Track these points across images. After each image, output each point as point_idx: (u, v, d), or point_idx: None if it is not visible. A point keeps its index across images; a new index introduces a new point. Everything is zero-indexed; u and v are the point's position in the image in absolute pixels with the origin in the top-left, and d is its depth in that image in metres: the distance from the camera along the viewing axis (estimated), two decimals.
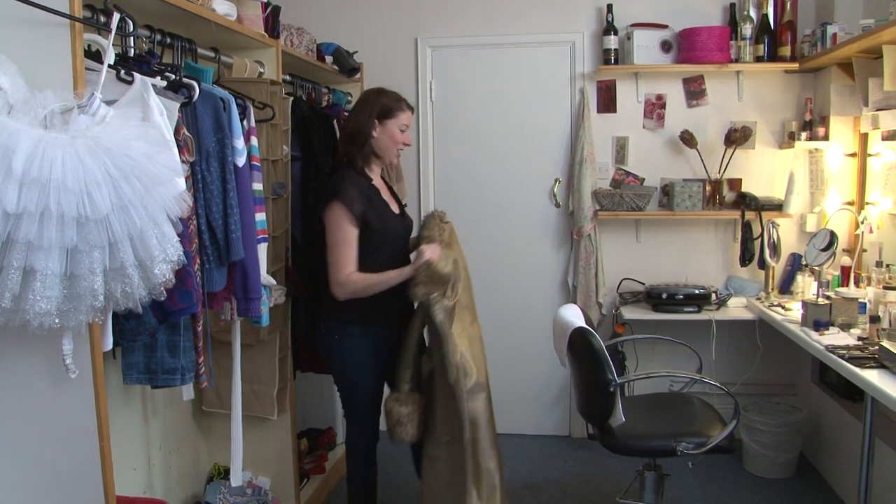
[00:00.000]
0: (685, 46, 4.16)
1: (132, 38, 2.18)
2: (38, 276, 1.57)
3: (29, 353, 1.88)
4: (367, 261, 2.77)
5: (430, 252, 2.75)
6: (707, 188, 4.24)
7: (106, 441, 1.96)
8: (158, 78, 2.15)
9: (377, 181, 2.93)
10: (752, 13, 4.12)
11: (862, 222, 3.73)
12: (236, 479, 2.88)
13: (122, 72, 1.99)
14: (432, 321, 2.70)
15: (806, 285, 3.83)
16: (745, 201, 4.18)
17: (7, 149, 1.50)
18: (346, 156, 2.91)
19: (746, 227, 4.18)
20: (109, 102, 1.82)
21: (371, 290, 2.76)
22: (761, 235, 4.12)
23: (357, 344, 2.87)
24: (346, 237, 2.73)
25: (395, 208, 2.95)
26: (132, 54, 2.19)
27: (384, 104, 2.87)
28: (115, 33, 1.92)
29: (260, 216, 2.64)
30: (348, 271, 2.73)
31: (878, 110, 3.40)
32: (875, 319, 3.15)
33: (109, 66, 1.87)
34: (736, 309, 4.10)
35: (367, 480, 3.06)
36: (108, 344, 1.99)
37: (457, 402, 2.66)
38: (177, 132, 2.08)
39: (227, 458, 3.22)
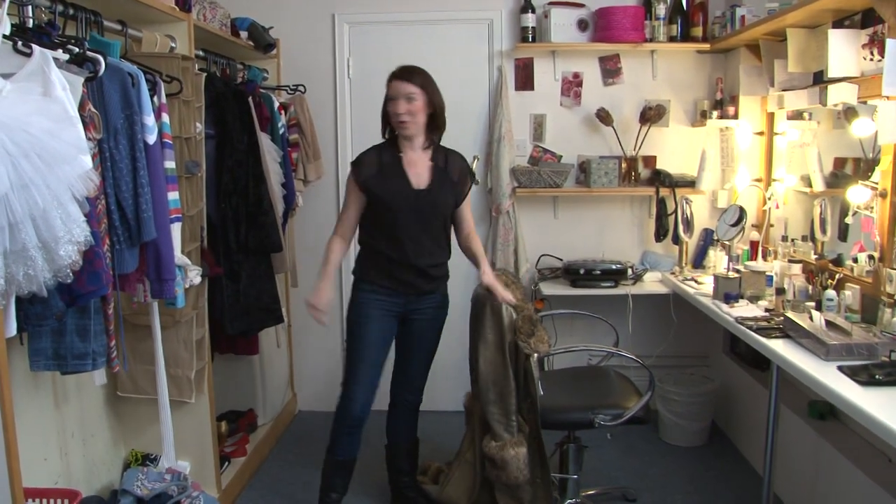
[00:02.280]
0: (601, 25, 4.21)
1: (30, 7, 2.08)
2: None
3: None
4: (368, 224, 3.13)
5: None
6: (623, 165, 4.32)
7: (11, 431, 1.89)
8: (60, 51, 2.04)
9: (410, 154, 3.07)
10: None
11: (769, 198, 3.86)
12: (169, 459, 2.85)
13: (20, 43, 1.89)
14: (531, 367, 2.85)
15: (717, 259, 3.96)
16: (659, 178, 4.28)
17: None
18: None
19: (661, 203, 4.28)
20: (6, 76, 1.73)
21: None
22: (675, 211, 4.22)
23: (364, 299, 3.13)
24: (346, 199, 3.15)
25: (417, 182, 3.03)
26: (31, 25, 2.09)
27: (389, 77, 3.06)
28: (10, 1, 1.83)
29: (173, 195, 2.58)
30: (336, 232, 3.14)
31: (783, 90, 3.51)
32: (781, 291, 3.29)
33: (4, 36, 1.78)
34: (651, 283, 4.21)
35: (349, 454, 3.20)
36: (12, 330, 1.90)
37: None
38: (81, 108, 2.00)
39: (144, 444, 3.17)
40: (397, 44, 4.40)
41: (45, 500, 2.34)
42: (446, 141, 4.38)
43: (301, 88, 4.29)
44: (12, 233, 1.60)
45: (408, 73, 3.00)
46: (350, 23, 4.43)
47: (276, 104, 3.85)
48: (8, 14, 1.80)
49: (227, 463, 3.59)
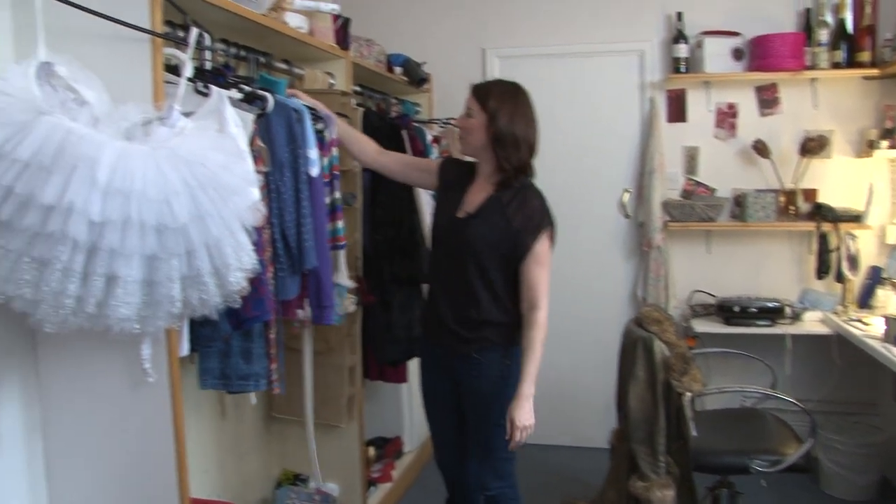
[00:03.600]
0: (757, 54, 4.08)
1: (209, 51, 2.24)
2: (120, 283, 1.61)
3: (109, 357, 1.95)
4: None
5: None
6: (781, 199, 4.14)
7: (181, 444, 2.01)
8: (234, 90, 2.20)
9: (478, 181, 2.63)
10: (829, 18, 4.01)
11: None
12: (316, 478, 2.94)
13: (200, 84, 2.05)
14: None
15: (887, 300, 3.71)
16: (820, 212, 4.06)
17: (92, 160, 1.56)
18: None
19: (822, 238, 4.05)
20: (187, 114, 1.87)
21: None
22: (838, 248, 3.99)
23: (421, 343, 2.89)
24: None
25: (464, 209, 2.58)
26: (209, 67, 2.24)
27: None
28: (193, 47, 1.97)
29: (340, 223, 2.69)
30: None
31: None
32: None
33: (187, 79, 1.92)
34: (811, 323, 3.99)
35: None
36: (185, 349, 2.04)
37: None
38: (251, 143, 2.13)
39: (296, 464, 3.28)
40: (547, 77, 4.42)
41: None
42: (597, 172, 4.40)
43: (452, 122, 4.38)
44: (189, 260, 1.71)
45: (476, 87, 2.60)
46: (500, 57, 4.50)
47: (430, 137, 3.95)
48: (190, 58, 1.95)
49: (372, 488, 3.66)
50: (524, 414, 2.42)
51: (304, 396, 2.97)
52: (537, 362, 2.47)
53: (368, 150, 2.81)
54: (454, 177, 2.70)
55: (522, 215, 2.52)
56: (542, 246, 2.51)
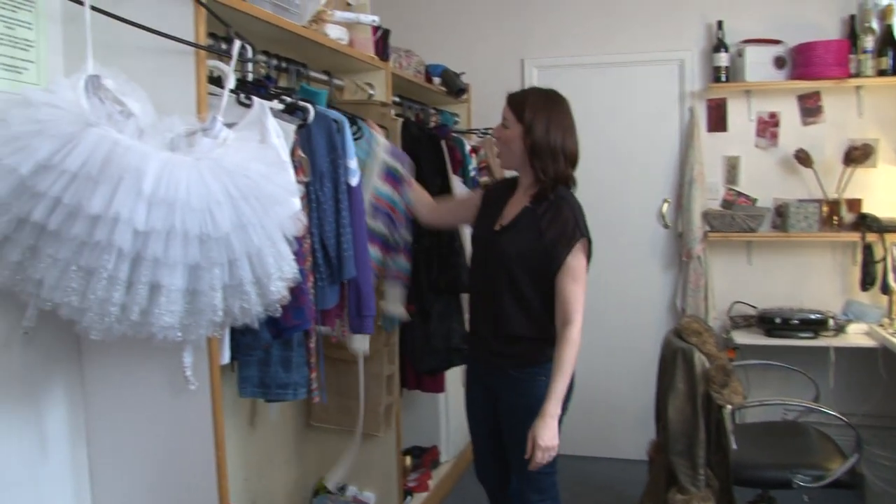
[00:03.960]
0: (800, 62, 4.02)
1: (251, 63, 2.27)
2: (163, 291, 1.63)
3: (152, 364, 1.98)
4: None
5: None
6: (824, 209, 4.07)
7: (221, 451, 2.03)
8: (276, 101, 2.22)
9: (517, 193, 2.60)
10: (875, 24, 3.94)
11: None
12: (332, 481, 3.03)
13: (242, 96, 2.08)
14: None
15: None
16: (865, 223, 3.99)
17: (138, 171, 1.58)
18: None
19: (867, 249, 3.98)
20: (230, 125, 1.89)
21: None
22: (884, 258, 3.92)
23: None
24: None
25: (500, 221, 2.56)
26: (250, 79, 2.27)
27: None
28: (236, 59, 2.00)
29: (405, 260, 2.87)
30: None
31: None
32: None
33: (230, 90, 1.95)
34: (856, 335, 3.92)
35: None
36: (226, 358, 2.06)
37: None
38: (292, 153, 2.14)
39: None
40: (586, 86, 4.41)
41: None
42: (636, 182, 4.37)
43: (491, 132, 4.38)
44: (231, 269, 1.72)
45: (512, 97, 2.55)
46: (539, 67, 4.50)
47: (468, 147, 3.95)
48: (233, 70, 1.98)
49: (409, 497, 3.66)
50: (547, 434, 2.29)
51: (360, 403, 2.98)
52: (566, 380, 2.35)
53: (424, 201, 2.89)
54: (495, 192, 2.70)
55: (555, 228, 2.45)
56: (575, 260, 2.43)
